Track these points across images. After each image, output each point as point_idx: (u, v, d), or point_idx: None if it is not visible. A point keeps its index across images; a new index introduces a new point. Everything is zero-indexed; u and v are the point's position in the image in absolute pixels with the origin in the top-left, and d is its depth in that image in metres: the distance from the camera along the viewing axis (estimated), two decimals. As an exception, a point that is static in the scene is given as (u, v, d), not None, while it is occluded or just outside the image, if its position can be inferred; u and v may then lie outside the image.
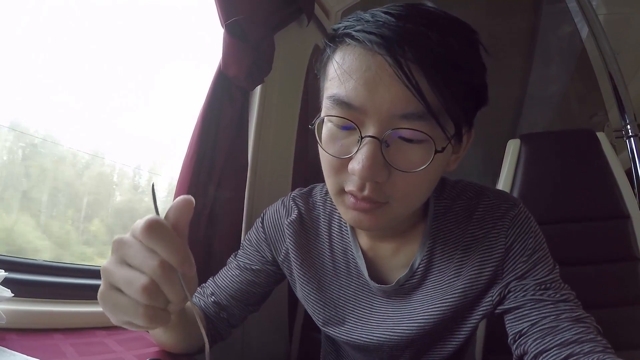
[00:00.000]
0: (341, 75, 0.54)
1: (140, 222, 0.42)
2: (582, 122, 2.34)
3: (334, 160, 0.56)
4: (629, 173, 1.35)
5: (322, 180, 0.64)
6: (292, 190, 0.85)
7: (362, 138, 0.53)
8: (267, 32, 1.10)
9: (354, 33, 0.53)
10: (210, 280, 0.83)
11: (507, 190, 1.23)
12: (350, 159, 0.54)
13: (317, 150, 0.61)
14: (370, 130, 0.52)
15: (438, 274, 0.70)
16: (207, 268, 0.98)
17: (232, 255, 0.86)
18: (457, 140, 0.58)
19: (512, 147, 1.27)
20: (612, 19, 1.78)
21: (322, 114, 0.58)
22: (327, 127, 0.57)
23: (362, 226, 0.60)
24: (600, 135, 1.22)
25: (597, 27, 1.50)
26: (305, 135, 1.35)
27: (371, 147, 0.52)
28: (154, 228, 0.41)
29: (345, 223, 0.76)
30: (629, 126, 1.40)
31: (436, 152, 0.53)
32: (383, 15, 0.53)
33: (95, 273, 0.97)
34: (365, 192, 0.54)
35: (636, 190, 1.34)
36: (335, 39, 0.57)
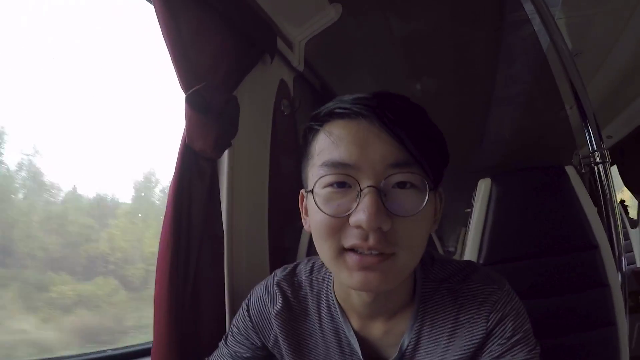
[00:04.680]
0: (332, 142, 0.61)
1: None
2: (549, 117, 2.41)
3: (332, 220, 0.60)
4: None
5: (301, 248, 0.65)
6: (270, 257, 0.85)
7: (361, 190, 0.58)
8: (230, 93, 1.06)
9: (341, 105, 0.62)
10: None
11: (480, 228, 1.28)
12: (348, 217, 0.58)
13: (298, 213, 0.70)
14: (367, 183, 0.58)
15: (425, 356, 0.72)
16: (196, 347, 0.96)
17: (222, 340, 0.87)
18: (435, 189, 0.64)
19: (484, 186, 1.30)
20: (573, 22, 1.79)
21: (314, 182, 0.62)
22: (319, 194, 0.61)
23: (370, 286, 0.61)
24: (569, 169, 1.27)
25: (556, 32, 1.49)
26: (278, 187, 1.32)
27: (372, 196, 0.57)
28: None
29: (335, 303, 0.77)
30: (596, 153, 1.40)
31: (429, 190, 0.59)
32: (359, 95, 0.63)
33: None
34: (370, 242, 0.57)
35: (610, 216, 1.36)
36: (320, 119, 0.65)
